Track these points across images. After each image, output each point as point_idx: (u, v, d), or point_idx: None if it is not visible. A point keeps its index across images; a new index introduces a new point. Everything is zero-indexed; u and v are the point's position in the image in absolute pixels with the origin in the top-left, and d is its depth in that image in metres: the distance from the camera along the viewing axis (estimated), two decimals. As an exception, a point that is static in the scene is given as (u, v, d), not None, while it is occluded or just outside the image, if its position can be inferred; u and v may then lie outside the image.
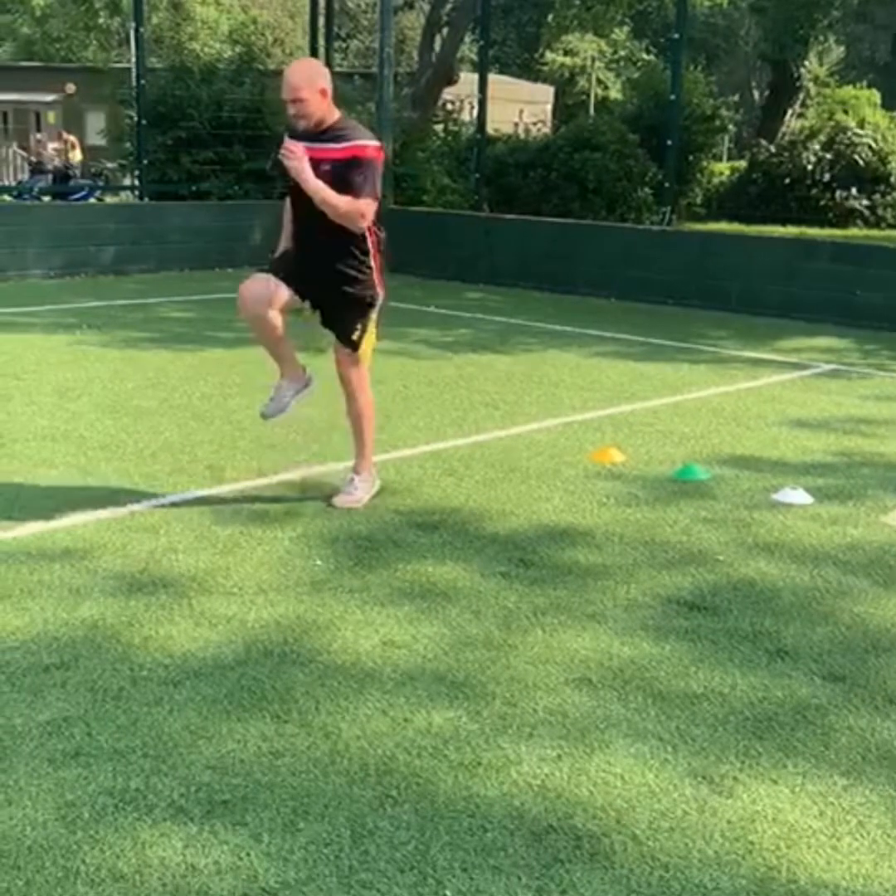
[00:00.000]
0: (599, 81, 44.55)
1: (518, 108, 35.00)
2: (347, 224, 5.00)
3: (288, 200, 5.34)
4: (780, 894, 2.66)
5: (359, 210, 4.99)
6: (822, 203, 18.87)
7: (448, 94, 23.06)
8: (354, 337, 5.25)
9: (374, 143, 5.09)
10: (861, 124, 19.48)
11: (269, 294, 5.04)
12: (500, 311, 12.10)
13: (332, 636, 3.96)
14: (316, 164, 4.94)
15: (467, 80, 23.54)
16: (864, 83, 23.73)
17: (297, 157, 4.94)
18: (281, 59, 31.55)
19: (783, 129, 22.30)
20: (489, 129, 18.66)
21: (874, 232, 17.28)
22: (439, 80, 22.00)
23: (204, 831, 2.82)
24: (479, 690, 3.60)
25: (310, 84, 4.97)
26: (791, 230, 16.11)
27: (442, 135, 19.42)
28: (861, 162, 18.98)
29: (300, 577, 4.50)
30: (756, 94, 37.38)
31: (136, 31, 14.86)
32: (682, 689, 3.68)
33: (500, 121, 25.10)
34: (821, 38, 25.89)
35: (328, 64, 15.95)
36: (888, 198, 18.29)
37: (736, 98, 25.73)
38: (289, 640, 3.91)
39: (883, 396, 8.43)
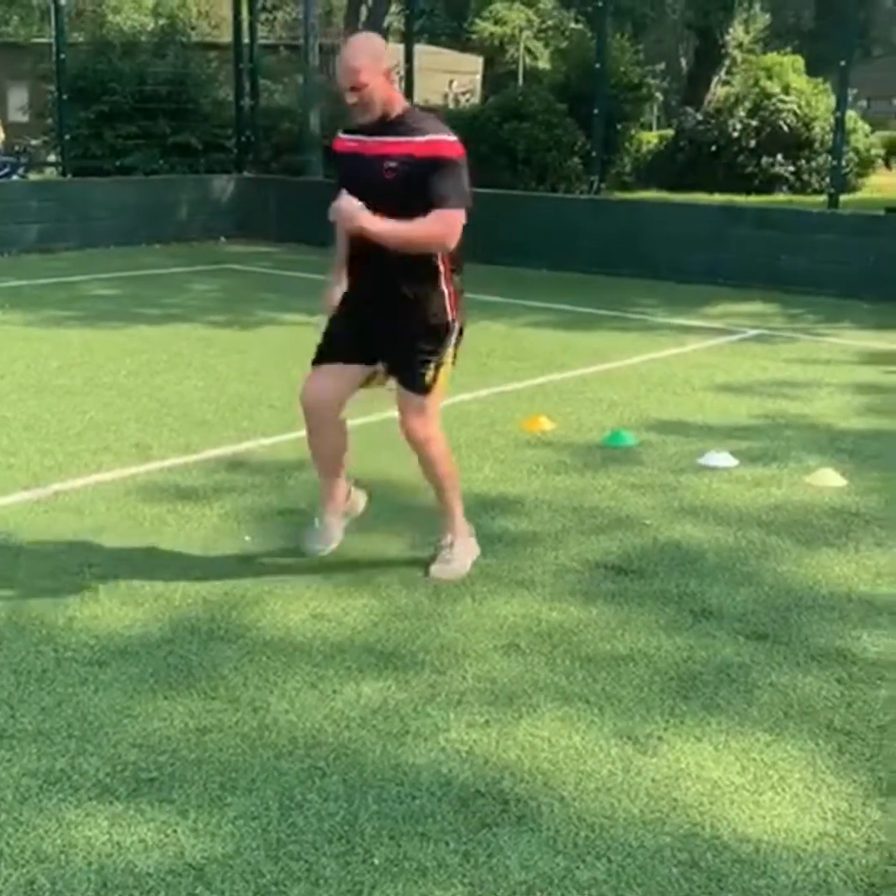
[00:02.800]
0: (529, 51, 44.45)
1: (448, 78, 34.85)
2: (437, 249, 3.99)
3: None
4: (704, 850, 2.70)
5: (448, 227, 3.94)
6: (749, 170, 19.02)
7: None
8: (426, 379, 4.13)
9: (456, 138, 4.01)
10: (786, 91, 19.65)
11: (336, 391, 4.17)
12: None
13: (261, 611, 3.95)
14: (380, 161, 3.95)
15: (395, 50, 23.37)
16: (789, 49, 23.94)
17: (349, 217, 3.92)
18: (206, 31, 31.10)
19: (709, 96, 22.44)
20: (418, 100, 18.54)
21: (799, 197, 17.48)
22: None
23: (130, 809, 2.80)
24: (408, 660, 3.62)
25: (373, 65, 3.90)
26: (718, 197, 16.23)
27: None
28: (786, 128, 19.14)
29: (228, 553, 4.48)
30: (684, 62, 37.51)
31: (56, 4, 14.55)
32: (609, 651, 3.72)
33: (430, 91, 25.01)
34: (745, 5, 26.03)
35: (251, 36, 15.77)
36: (813, 163, 18.48)
37: (663, 67, 25.82)
38: (216, 616, 3.89)
39: (807, 360, 8.54)
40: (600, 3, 13.06)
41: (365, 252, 4.05)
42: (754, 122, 19.38)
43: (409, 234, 3.94)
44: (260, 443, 5.95)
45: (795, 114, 19.35)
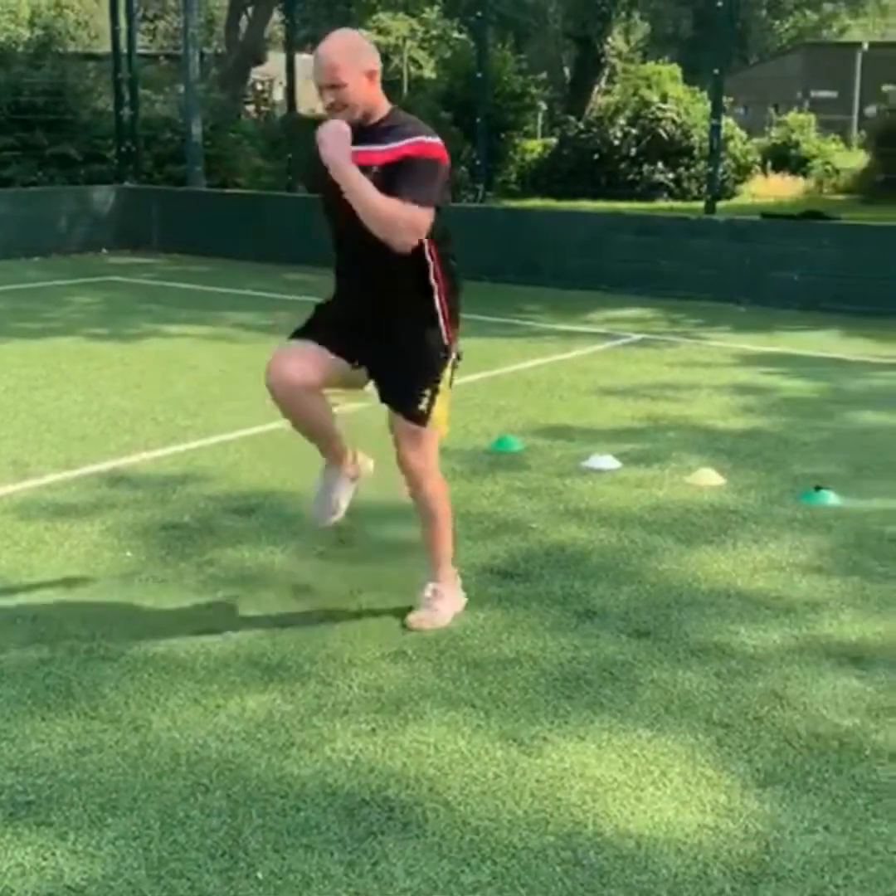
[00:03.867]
0: (413, 60, 44.61)
1: (332, 88, 34.70)
2: (390, 237, 3.62)
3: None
4: (587, 848, 2.73)
5: (406, 220, 3.59)
6: (630, 177, 19.34)
7: (259, 74, 22.75)
8: (421, 407, 3.84)
9: (437, 140, 3.73)
10: (664, 99, 20.04)
11: (303, 373, 3.74)
12: (321, 293, 11.90)
13: (143, 628, 3.89)
14: (363, 170, 3.63)
15: (278, 59, 23.26)
16: (667, 58, 24.41)
17: (332, 142, 3.60)
18: (87, 41, 30.55)
19: (590, 105, 22.77)
20: (303, 109, 18.48)
21: (680, 204, 17.82)
22: (247, 60, 21.67)
23: (6, 834, 2.74)
24: (294, 672, 3.59)
25: (352, 63, 3.62)
26: (601, 204, 16.48)
27: (253, 116, 19.14)
28: (665, 136, 19.52)
29: (109, 570, 4.40)
30: (567, 71, 38.02)
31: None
32: (495, 655, 3.74)
33: (315, 100, 24.90)
34: (623, 14, 26.50)
35: (130, 45, 15.56)
36: (692, 170, 18.86)
37: (545, 76, 26.14)
38: (97, 635, 3.82)
39: (688, 363, 8.71)
40: (480, 15, 13.18)
41: (355, 254, 3.79)
42: (635, 131, 19.72)
43: (374, 200, 3.58)
44: (142, 457, 5.86)
45: (674, 122, 19.75)
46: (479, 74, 13.09)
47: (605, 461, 5.93)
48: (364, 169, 3.61)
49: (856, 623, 4.03)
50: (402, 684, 3.53)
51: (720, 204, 14.42)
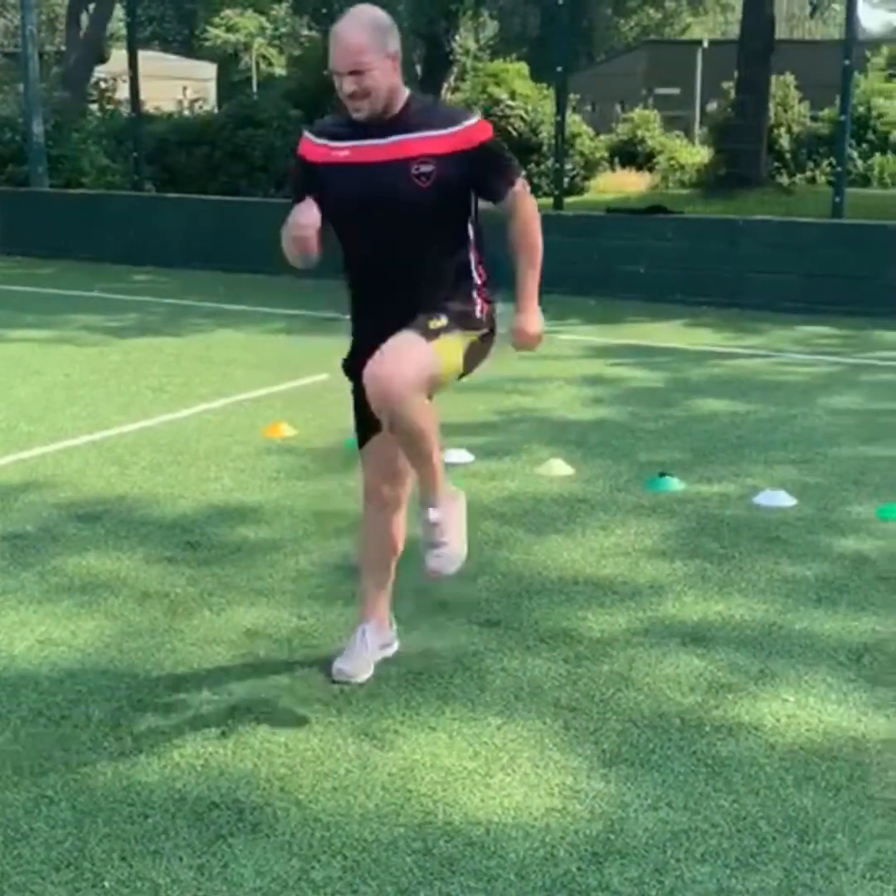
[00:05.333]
0: (264, 58, 44.20)
1: (180, 85, 34.22)
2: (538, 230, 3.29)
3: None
4: (437, 837, 2.76)
5: (534, 203, 3.30)
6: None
7: (104, 72, 22.24)
8: (431, 324, 3.19)
9: (480, 118, 3.35)
10: (512, 96, 20.28)
11: (399, 460, 3.41)
12: (169, 293, 11.83)
13: (-16, 640, 3.78)
14: (404, 167, 3.15)
15: (122, 57, 22.78)
16: (515, 56, 24.69)
17: (539, 335, 3.29)
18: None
19: (440, 102, 22.85)
20: (148, 108, 18.16)
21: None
22: (89, 58, 21.18)
23: None
24: (142, 679, 3.54)
25: (379, 44, 3.13)
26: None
27: (98, 114, 18.73)
28: (515, 133, 19.74)
29: (-51, 582, 4.27)
30: (417, 69, 38.14)
31: None
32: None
33: (162, 99, 24.46)
34: (470, 12, 26.72)
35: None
36: (542, 167, 19.11)
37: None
38: (-65, 649, 3.71)
39: (539, 356, 8.73)
40: (325, 10, 13.14)
41: (379, 273, 3.30)
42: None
43: (536, 264, 3.29)
44: (-15, 465, 5.70)
45: (523, 119, 19.99)
46: (326, 72, 13.04)
47: (458, 455, 5.97)
48: (409, 163, 3.15)
49: (697, 604, 4.16)
50: (252, 686, 3.51)
51: (569, 200, 14.67)
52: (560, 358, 8.71)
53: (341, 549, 4.67)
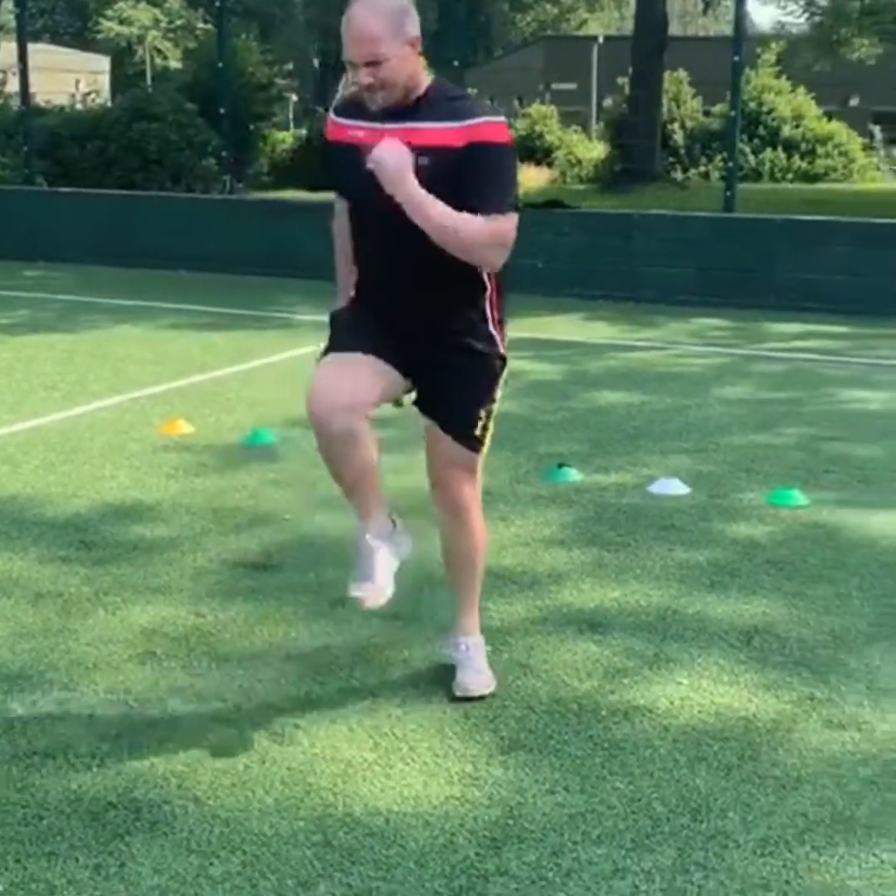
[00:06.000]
0: (158, 51, 43.56)
1: (73, 77, 33.60)
2: (481, 260, 3.07)
3: (342, 220, 3.33)
4: (336, 829, 2.77)
5: (499, 240, 3.02)
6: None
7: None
8: (477, 431, 3.27)
9: (502, 118, 3.08)
10: (411, 90, 20.23)
11: (356, 394, 3.09)
12: (63, 289, 11.62)
13: None
14: (422, 152, 2.99)
15: (12, 49, 22.26)
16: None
17: (394, 165, 2.95)
18: None
19: (338, 96, 22.72)
20: (40, 101, 17.78)
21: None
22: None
23: None
24: (35, 680, 3.48)
25: (396, 32, 2.92)
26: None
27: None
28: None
29: None
30: (316, 62, 37.94)
31: None
32: (247, 648, 3.73)
33: (54, 92, 24.00)
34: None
35: None
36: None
37: (291, 67, 26.01)
38: None
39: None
40: (219, 4, 13.01)
41: (397, 264, 3.12)
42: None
43: (455, 224, 2.96)
44: None
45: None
46: (220, 64, 12.94)
47: (357, 449, 5.97)
48: (423, 149, 2.96)
49: (595, 591, 4.22)
50: (150, 685, 3.47)
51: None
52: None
53: (240, 545, 4.64)
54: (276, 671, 3.56)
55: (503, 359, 3.27)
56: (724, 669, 3.60)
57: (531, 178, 20.92)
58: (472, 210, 2.97)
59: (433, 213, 2.95)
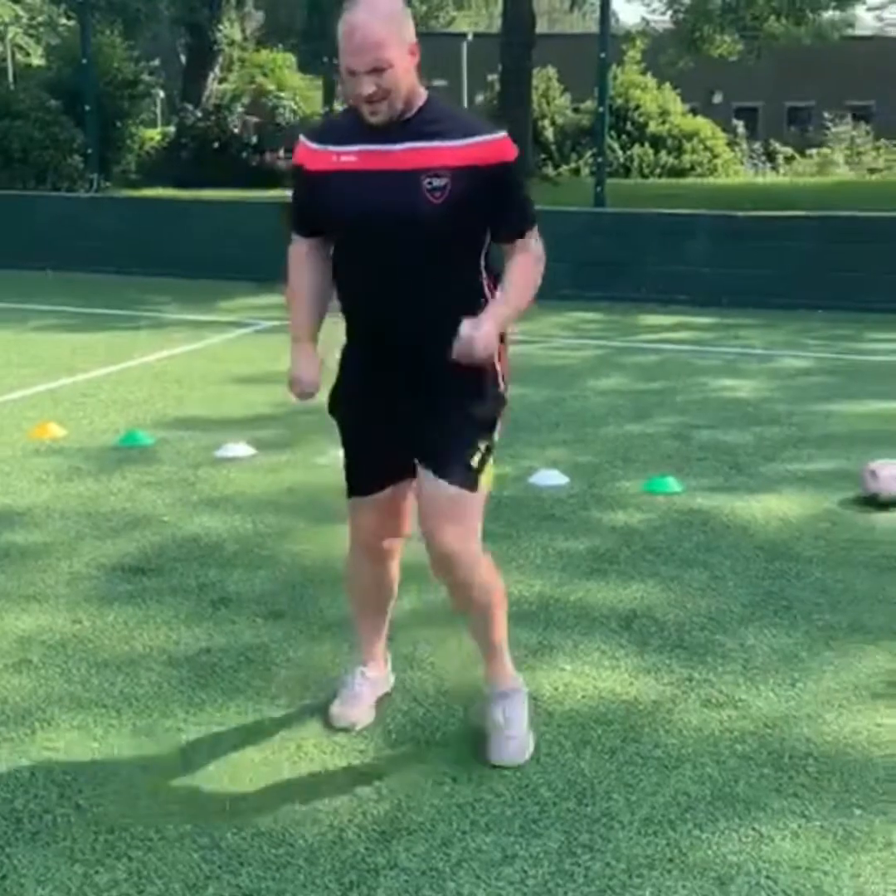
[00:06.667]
0: (20, 48, 42.35)
1: (-72, 75, 32.46)
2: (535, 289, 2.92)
3: (304, 254, 3.01)
4: (224, 830, 2.73)
5: (540, 256, 2.91)
6: (253, 165, 19.33)
7: None
8: (472, 462, 2.92)
9: (505, 133, 2.90)
10: (281, 88, 20.14)
11: (396, 531, 3.15)
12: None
13: None
14: (415, 178, 2.75)
15: None
16: (282, 47, 24.52)
17: (488, 348, 2.74)
18: None
19: (207, 93, 22.55)
20: None
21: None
22: None
23: None
24: None
25: (398, 37, 2.74)
26: (225, 193, 16.37)
27: None
28: (284, 124, 19.65)
29: None
30: (183, 59, 37.34)
31: None
32: (127, 652, 3.67)
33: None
34: (234, 2, 26.40)
35: None
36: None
37: (158, 63, 25.56)
38: None
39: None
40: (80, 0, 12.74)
41: (388, 302, 2.88)
42: (253, 119, 19.71)
43: (523, 300, 2.87)
44: None
45: (292, 110, 19.91)
46: (84, 60, 12.67)
47: (238, 449, 5.92)
48: (422, 174, 2.74)
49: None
50: (27, 694, 3.39)
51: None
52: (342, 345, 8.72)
53: (117, 549, 4.56)
54: (159, 676, 3.51)
55: (503, 389, 2.98)
56: (605, 654, 3.67)
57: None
58: (506, 228, 2.86)
59: (513, 311, 2.84)
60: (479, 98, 27.29)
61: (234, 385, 7.50)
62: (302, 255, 3.01)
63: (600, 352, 8.82)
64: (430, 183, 2.74)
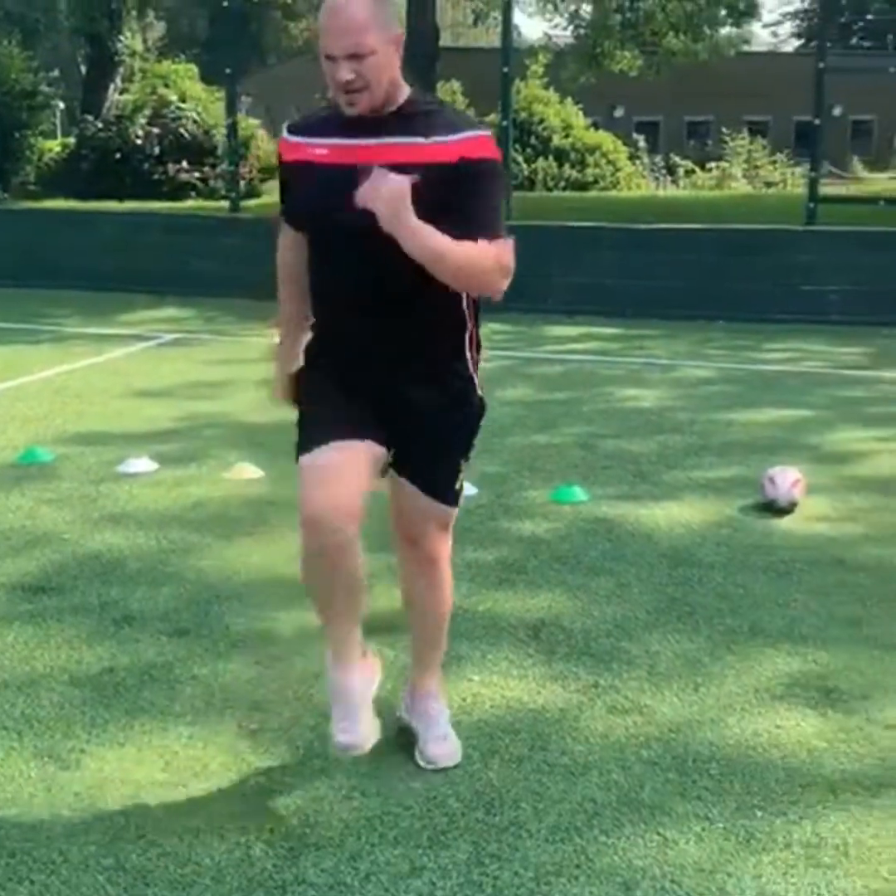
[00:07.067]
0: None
1: None
2: (486, 287, 2.76)
3: (289, 253, 2.98)
4: (129, 852, 2.70)
5: (505, 258, 2.71)
6: (156, 176, 19.09)
7: None
8: (458, 486, 3.00)
9: (490, 133, 2.80)
10: (183, 98, 19.93)
11: (351, 496, 2.70)
12: None
13: None
14: (396, 170, 2.63)
15: None
16: (184, 58, 24.26)
17: (392, 194, 2.57)
18: None
19: (108, 104, 22.22)
20: None
21: (210, 203, 17.80)
22: None
23: None
24: None
25: (383, 24, 2.63)
26: (128, 204, 16.15)
27: None
28: (187, 135, 19.44)
29: None
30: (84, 69, 36.82)
31: None
32: (27, 673, 3.59)
33: None
34: (134, 12, 26.08)
35: None
36: (218, 169, 18.91)
37: (57, 73, 25.14)
38: None
39: (224, 360, 8.77)
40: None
41: (360, 304, 2.75)
42: (156, 130, 19.48)
43: (458, 255, 2.64)
44: None
45: (195, 121, 19.70)
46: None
47: (141, 464, 5.84)
48: (399, 168, 2.60)
49: (386, 595, 4.18)
50: (-76, 718, 3.31)
51: (249, 203, 14.59)
52: (245, 361, 8.66)
53: (17, 568, 4.47)
54: (60, 696, 3.45)
55: (482, 404, 2.97)
56: (513, 664, 3.69)
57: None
58: (465, 231, 2.65)
59: (434, 244, 2.60)
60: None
61: (136, 399, 7.40)
62: (287, 247, 2.97)
63: (507, 363, 8.87)
64: (410, 174, 2.60)
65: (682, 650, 3.80)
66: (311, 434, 2.77)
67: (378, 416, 2.80)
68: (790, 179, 24.32)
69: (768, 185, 24.37)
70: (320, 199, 2.73)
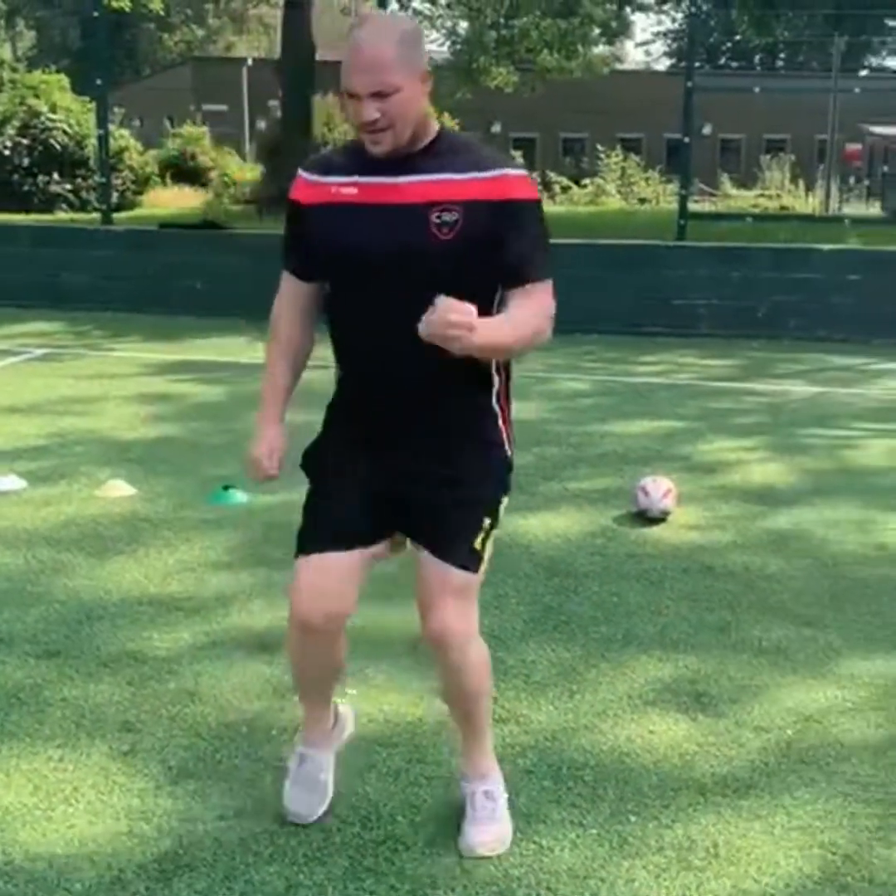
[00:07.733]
0: None
1: None
2: (536, 347, 2.65)
3: (289, 303, 2.81)
4: (-6, 880, 2.63)
5: (548, 313, 2.62)
6: (25, 188, 18.66)
7: None
8: (476, 544, 2.71)
9: (527, 172, 2.68)
10: (53, 109, 19.53)
11: (344, 596, 2.71)
12: None
13: None
14: (422, 212, 2.52)
15: None
16: (54, 68, 23.77)
17: (465, 327, 2.36)
18: None
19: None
20: None
21: (81, 215, 17.46)
22: None
23: None
24: None
25: (410, 61, 2.49)
26: (-5, 216, 15.76)
27: None
28: (58, 146, 19.05)
29: None
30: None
31: None
32: None
33: None
34: (3, 22, 25.49)
35: None
36: (90, 181, 18.53)
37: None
38: None
39: (96, 375, 8.60)
40: None
41: (381, 346, 2.60)
42: (26, 141, 19.06)
43: (521, 334, 2.56)
44: None
45: (66, 132, 19.31)
46: None
47: (7, 482, 5.69)
48: (430, 208, 2.51)
49: (264, 612, 4.21)
50: None
51: (121, 215, 14.36)
52: (117, 376, 8.53)
53: None
54: (-78, 723, 3.34)
55: (508, 461, 2.80)
56: (391, 678, 3.69)
57: (185, 198, 20.64)
58: (510, 279, 2.57)
59: (499, 342, 2.52)
60: (262, 124, 27.15)
61: (3, 415, 7.21)
62: (288, 301, 2.80)
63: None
64: (439, 217, 2.52)
65: (557, 659, 3.85)
66: (310, 534, 2.73)
67: (383, 502, 2.69)
68: (662, 196, 24.84)
69: (642, 201, 24.86)
70: (352, 238, 2.58)
